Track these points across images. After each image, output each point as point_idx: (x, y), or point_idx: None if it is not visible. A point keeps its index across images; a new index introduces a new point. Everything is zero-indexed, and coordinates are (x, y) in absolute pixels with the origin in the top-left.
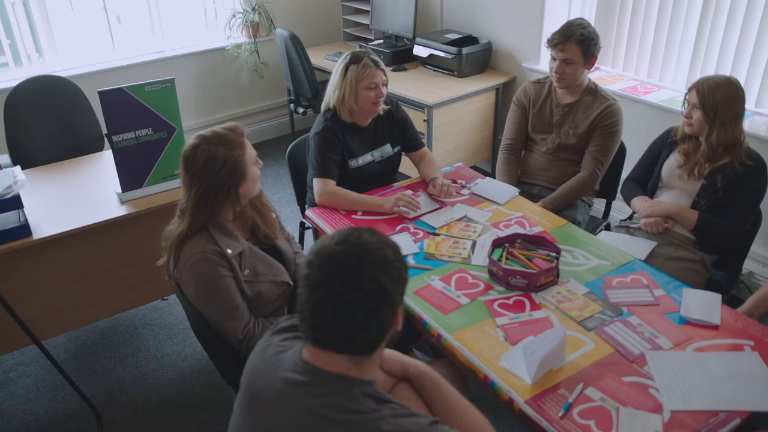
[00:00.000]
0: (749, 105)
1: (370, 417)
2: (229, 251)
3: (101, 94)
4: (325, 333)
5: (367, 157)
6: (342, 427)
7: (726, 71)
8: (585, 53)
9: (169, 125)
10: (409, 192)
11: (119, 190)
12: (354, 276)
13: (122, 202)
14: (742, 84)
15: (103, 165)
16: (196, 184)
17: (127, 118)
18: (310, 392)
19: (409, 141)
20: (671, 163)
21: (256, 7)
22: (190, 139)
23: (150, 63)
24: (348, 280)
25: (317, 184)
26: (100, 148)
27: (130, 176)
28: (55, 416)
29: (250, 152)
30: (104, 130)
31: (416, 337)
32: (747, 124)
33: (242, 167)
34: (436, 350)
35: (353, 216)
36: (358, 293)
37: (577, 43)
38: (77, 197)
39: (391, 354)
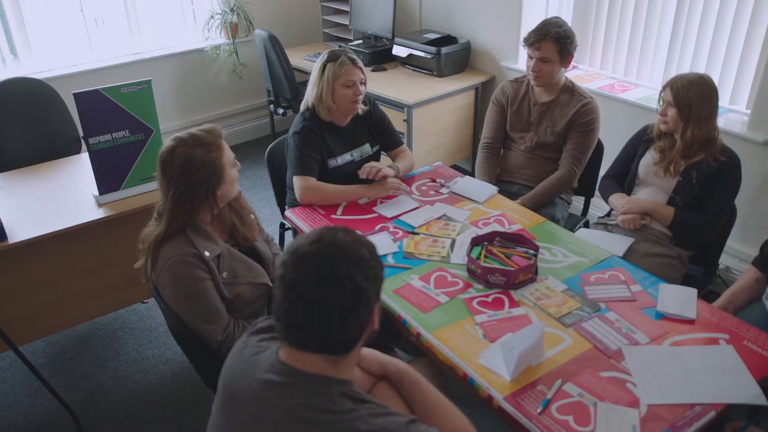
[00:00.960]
0: (724, 102)
1: (347, 417)
2: (207, 254)
3: (76, 96)
4: (301, 333)
5: (347, 157)
6: (319, 427)
7: (701, 69)
8: (561, 51)
9: (146, 127)
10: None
11: (96, 192)
12: (329, 275)
13: (99, 205)
14: (717, 81)
15: (80, 168)
16: (173, 186)
17: (103, 120)
18: (286, 393)
19: (388, 139)
20: (647, 160)
21: (234, 8)
22: (166, 141)
23: (128, 65)
24: (323, 279)
25: (298, 182)
26: (78, 151)
27: (107, 179)
28: (33, 422)
29: (228, 154)
30: (81, 133)
31: (398, 336)
32: (722, 121)
33: (220, 169)
34: (418, 349)
35: (333, 216)
36: (333, 292)
37: (553, 41)
38: (54, 200)
39: (370, 353)
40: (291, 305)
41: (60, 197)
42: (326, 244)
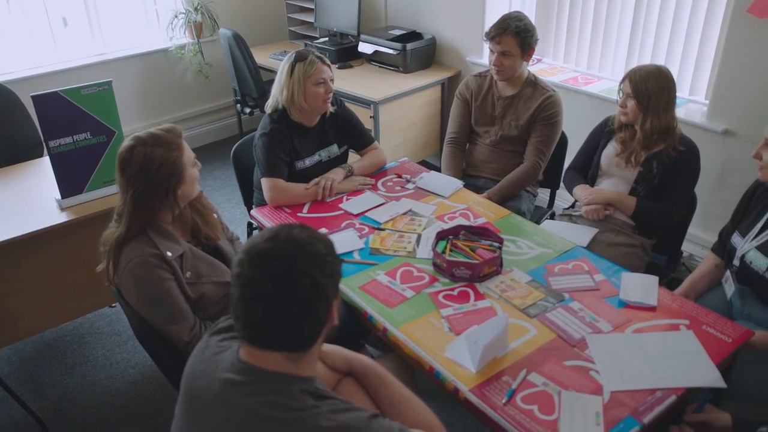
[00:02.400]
0: (683, 93)
1: (308, 414)
2: (169, 254)
3: (35, 98)
4: (260, 331)
5: (315, 158)
6: (280, 425)
7: (661, 61)
8: (522, 45)
9: (108, 129)
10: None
11: (59, 196)
12: (285, 272)
13: (62, 209)
14: (676, 73)
15: (43, 171)
16: (133, 186)
17: (63, 123)
18: (247, 392)
19: (359, 139)
20: (609, 152)
21: (198, 7)
22: (125, 141)
23: (90, 66)
24: (279, 276)
25: (266, 184)
26: (40, 155)
27: (70, 182)
28: None
29: (188, 154)
30: (42, 136)
31: (368, 332)
32: (682, 112)
33: (180, 169)
34: (387, 345)
35: (299, 214)
36: (290, 289)
37: (513, 35)
38: (15, 205)
39: (334, 349)
40: (248, 304)
41: (21, 202)
42: (282, 241)
